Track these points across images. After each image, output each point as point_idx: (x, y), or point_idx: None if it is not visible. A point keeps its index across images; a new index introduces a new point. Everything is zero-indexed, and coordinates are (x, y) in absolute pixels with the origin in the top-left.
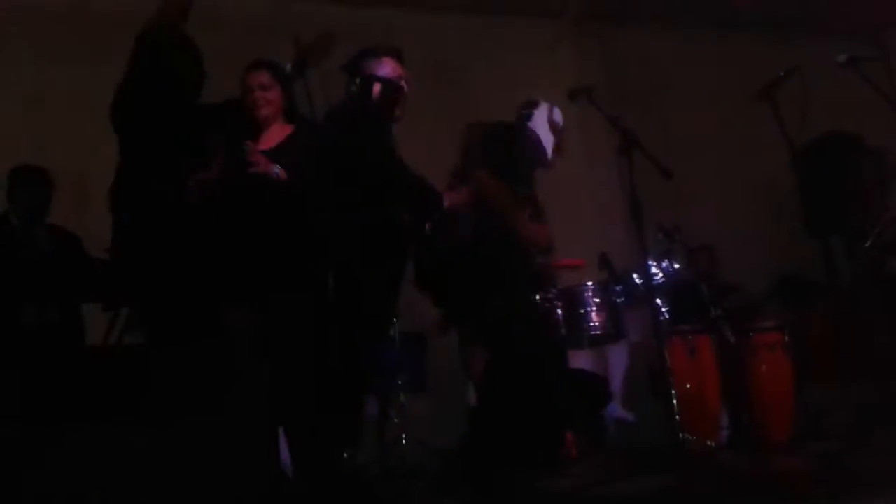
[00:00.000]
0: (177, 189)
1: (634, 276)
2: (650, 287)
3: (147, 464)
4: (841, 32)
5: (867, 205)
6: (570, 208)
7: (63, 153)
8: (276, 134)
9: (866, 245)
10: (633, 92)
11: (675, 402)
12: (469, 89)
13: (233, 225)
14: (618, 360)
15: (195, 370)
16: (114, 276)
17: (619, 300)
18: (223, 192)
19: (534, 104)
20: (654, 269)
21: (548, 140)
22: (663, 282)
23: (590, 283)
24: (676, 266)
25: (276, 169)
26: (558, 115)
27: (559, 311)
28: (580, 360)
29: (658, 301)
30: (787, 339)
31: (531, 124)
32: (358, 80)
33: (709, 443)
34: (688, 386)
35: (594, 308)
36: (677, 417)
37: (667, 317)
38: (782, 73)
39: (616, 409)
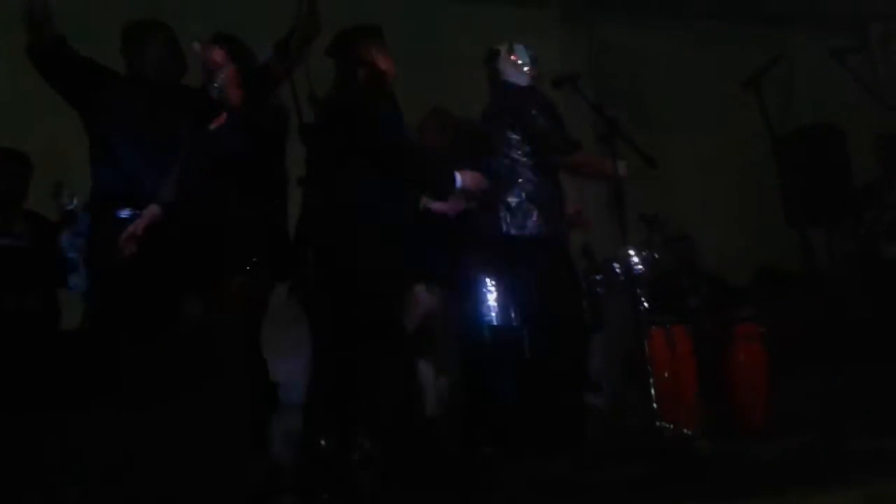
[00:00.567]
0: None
1: (615, 265)
2: (630, 276)
3: (127, 450)
4: (826, 24)
5: (863, 193)
6: None
7: (41, 138)
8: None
9: (860, 231)
10: (617, 80)
11: (652, 390)
12: (455, 75)
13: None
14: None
15: (174, 357)
16: None
17: (598, 289)
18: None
19: (495, 53)
20: (634, 259)
21: (520, 79)
22: (643, 271)
23: None
24: (656, 256)
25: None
26: (520, 51)
27: None
28: None
29: (637, 290)
30: (764, 329)
31: (502, 75)
32: (342, 65)
33: (685, 431)
34: (665, 374)
35: None
36: (654, 405)
37: (646, 306)
38: (767, 63)
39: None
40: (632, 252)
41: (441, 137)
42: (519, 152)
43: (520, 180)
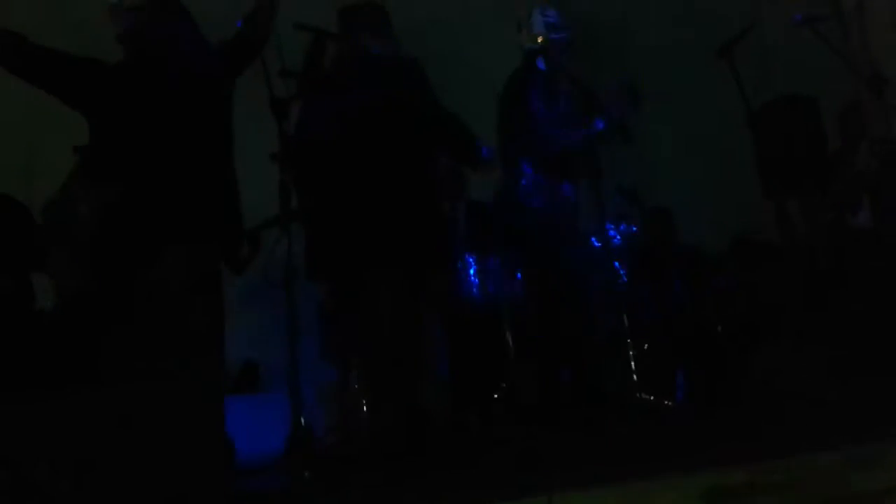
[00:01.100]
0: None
1: (593, 238)
2: (608, 249)
3: (98, 431)
4: None
5: (831, 163)
6: None
7: (8, 121)
8: None
9: (827, 202)
10: (591, 51)
11: (632, 363)
12: (429, 47)
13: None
14: None
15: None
16: None
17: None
18: None
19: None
20: (612, 232)
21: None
22: (621, 244)
23: None
24: (634, 228)
25: None
26: (535, 20)
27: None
28: None
29: (616, 263)
30: (742, 299)
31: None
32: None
33: (666, 402)
34: (645, 346)
35: None
36: (635, 377)
37: (624, 279)
38: (739, 32)
39: None
40: (610, 225)
41: None
42: None
43: None
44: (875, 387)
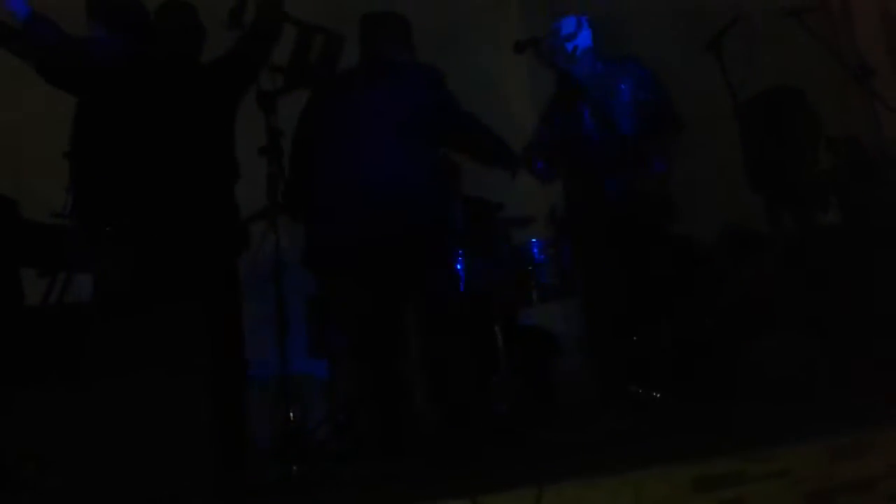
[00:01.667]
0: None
1: None
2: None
3: (86, 427)
4: None
5: (801, 160)
6: None
7: None
8: None
9: (798, 198)
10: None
11: (623, 355)
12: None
13: None
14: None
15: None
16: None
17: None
18: None
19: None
20: None
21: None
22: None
23: (539, 239)
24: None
25: None
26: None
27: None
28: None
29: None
30: (730, 291)
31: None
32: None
33: (655, 394)
34: (634, 338)
35: (544, 264)
36: (626, 369)
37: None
38: (726, 24)
39: None
40: None
41: None
42: None
43: None
44: (862, 376)
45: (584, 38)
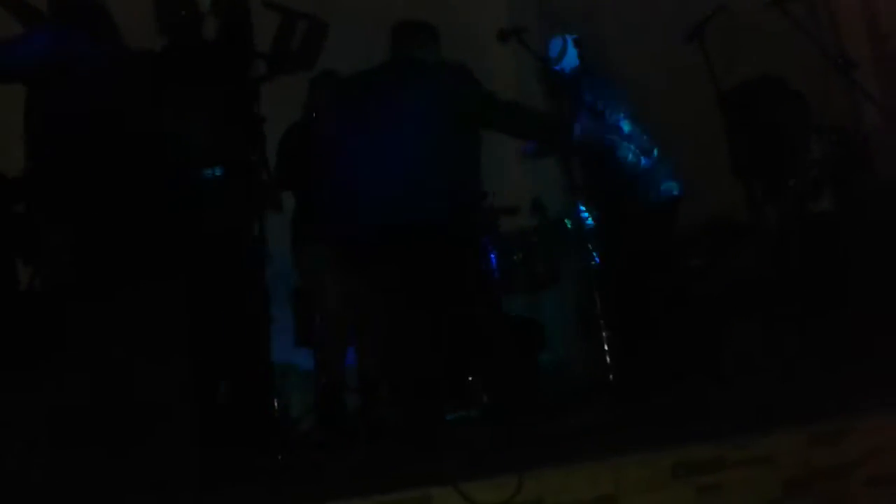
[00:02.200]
0: None
1: (566, 221)
2: (582, 231)
3: (68, 408)
4: None
5: (790, 148)
6: (502, 153)
7: None
8: None
9: (790, 186)
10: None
11: (605, 345)
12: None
13: None
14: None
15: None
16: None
17: (552, 245)
18: None
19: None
20: (585, 213)
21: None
22: (594, 225)
23: (523, 229)
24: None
25: None
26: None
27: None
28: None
29: (589, 245)
30: (714, 280)
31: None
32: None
33: (635, 382)
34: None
35: (528, 254)
36: (608, 360)
37: (598, 261)
38: (708, 14)
39: None
40: (582, 207)
41: None
42: None
43: None
44: (839, 364)
45: (571, 59)
